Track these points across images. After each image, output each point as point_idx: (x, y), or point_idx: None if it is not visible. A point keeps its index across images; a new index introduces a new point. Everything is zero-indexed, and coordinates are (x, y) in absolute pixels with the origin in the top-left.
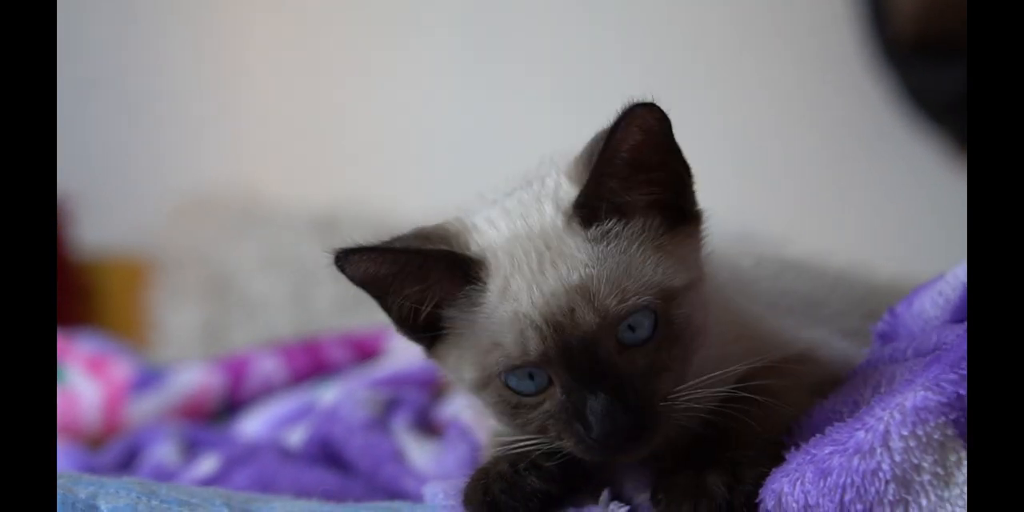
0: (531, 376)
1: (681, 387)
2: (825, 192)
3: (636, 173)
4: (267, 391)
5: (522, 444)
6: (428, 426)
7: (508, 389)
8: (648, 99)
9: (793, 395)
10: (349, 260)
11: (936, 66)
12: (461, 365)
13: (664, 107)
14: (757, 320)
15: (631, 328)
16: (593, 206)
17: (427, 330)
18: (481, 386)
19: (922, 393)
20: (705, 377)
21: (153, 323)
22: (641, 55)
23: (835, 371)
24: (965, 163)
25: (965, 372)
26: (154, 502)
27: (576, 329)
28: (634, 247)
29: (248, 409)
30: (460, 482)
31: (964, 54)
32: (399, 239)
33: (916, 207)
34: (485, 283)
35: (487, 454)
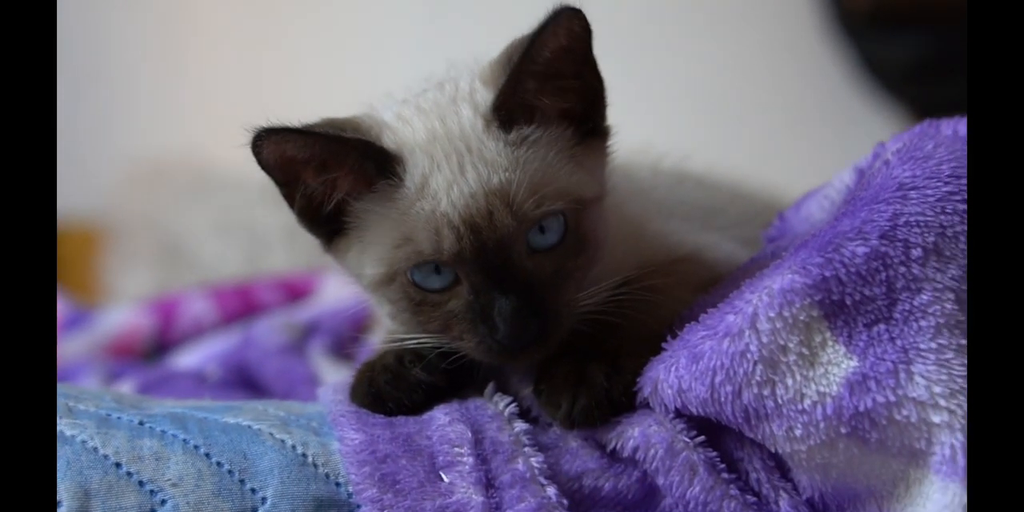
0: (437, 271)
1: (581, 294)
2: (781, 160)
3: (554, 78)
4: (198, 332)
5: (414, 340)
6: (345, 354)
7: (413, 285)
8: (576, 4)
9: (676, 292)
10: (268, 140)
11: (891, 36)
12: (363, 260)
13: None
14: (647, 225)
15: (541, 230)
16: (511, 109)
17: (330, 222)
18: (385, 282)
19: (789, 276)
20: (603, 284)
21: (105, 288)
22: (598, 28)
23: (721, 271)
24: None
25: (831, 256)
26: None
27: (493, 231)
28: (551, 154)
29: (179, 349)
30: (348, 377)
31: (918, 25)
32: (312, 126)
33: None
34: (401, 179)
35: (378, 348)
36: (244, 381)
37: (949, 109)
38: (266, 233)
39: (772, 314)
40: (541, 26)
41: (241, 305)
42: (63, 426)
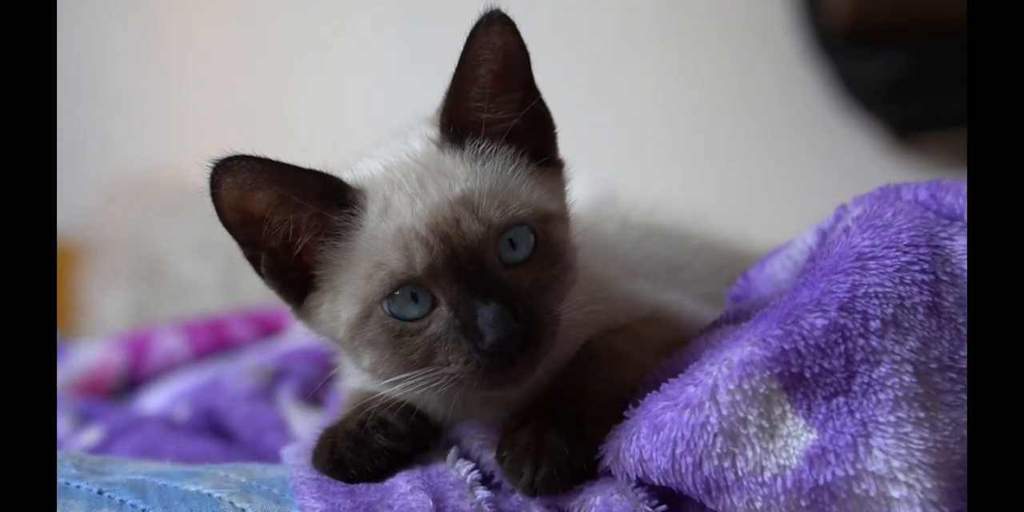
0: (414, 298)
1: (562, 307)
2: (760, 178)
3: (499, 91)
4: (170, 368)
5: (382, 397)
6: (316, 398)
7: (391, 317)
8: (498, 8)
9: (639, 355)
10: (230, 170)
11: (868, 55)
12: (337, 307)
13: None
14: (609, 283)
15: (512, 245)
16: (459, 123)
17: (298, 279)
18: (361, 321)
19: (748, 348)
20: (576, 300)
21: (83, 306)
22: (577, 45)
23: (684, 332)
24: (897, 149)
25: (790, 328)
26: None
27: (463, 238)
28: (509, 169)
29: (150, 386)
30: (310, 441)
31: (895, 43)
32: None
33: (849, 191)
34: (363, 207)
35: (341, 413)
36: (212, 426)
37: (925, 126)
38: None
39: (732, 386)
40: (472, 29)
41: (213, 340)
42: None
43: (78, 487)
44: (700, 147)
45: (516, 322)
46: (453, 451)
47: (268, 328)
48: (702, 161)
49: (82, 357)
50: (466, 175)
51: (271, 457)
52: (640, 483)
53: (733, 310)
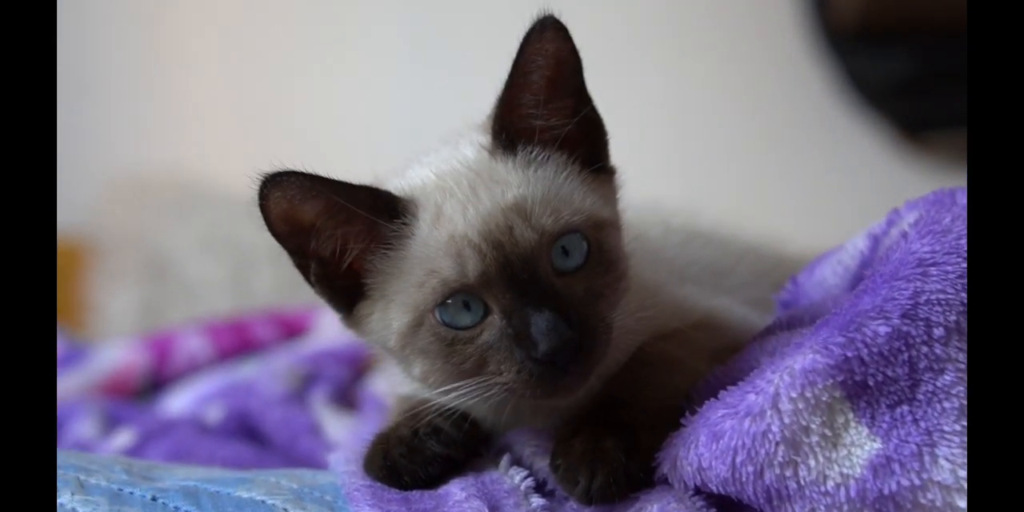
0: (467, 306)
1: (614, 314)
2: (767, 177)
3: (551, 97)
4: (193, 369)
5: (435, 406)
6: (347, 401)
7: (443, 325)
8: (551, 14)
9: (691, 361)
10: (279, 184)
11: (877, 53)
12: (388, 315)
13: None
14: (658, 289)
15: (565, 252)
16: (511, 130)
17: (349, 287)
18: (412, 330)
19: (811, 356)
20: (632, 307)
21: (91, 305)
22: (582, 43)
23: (735, 338)
24: (904, 148)
25: (853, 335)
26: None
27: (515, 246)
28: (561, 176)
29: (174, 387)
30: (361, 448)
31: (904, 41)
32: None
33: (857, 191)
34: (415, 216)
35: (391, 420)
36: (245, 430)
37: (933, 125)
38: (253, 251)
39: (794, 394)
40: (525, 35)
41: (236, 342)
42: (75, 503)
43: (131, 493)
44: (703, 147)
45: (569, 330)
46: (506, 458)
47: (292, 329)
48: (705, 161)
49: (105, 358)
50: (519, 182)
51: (305, 461)
52: (698, 491)
53: (786, 316)
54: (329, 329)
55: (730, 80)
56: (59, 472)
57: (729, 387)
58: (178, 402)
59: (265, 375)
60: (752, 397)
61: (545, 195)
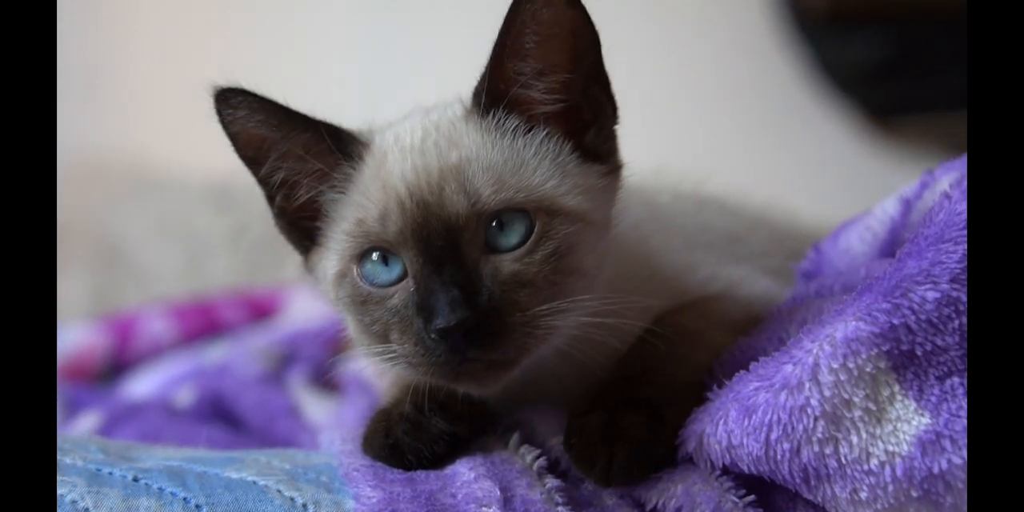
0: (385, 262)
1: (545, 306)
2: (735, 161)
3: (547, 68)
4: (156, 352)
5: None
6: (326, 382)
7: (361, 280)
8: None
9: (711, 333)
10: (227, 101)
11: (848, 37)
12: (324, 264)
13: None
14: (672, 258)
15: (501, 226)
16: (492, 94)
17: (307, 228)
18: (339, 281)
19: (853, 323)
20: (572, 298)
21: None
22: None
23: (757, 309)
24: (874, 132)
25: (899, 301)
26: None
27: (441, 210)
28: (530, 151)
29: (135, 370)
30: (359, 426)
31: (876, 25)
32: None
33: (826, 176)
34: (363, 161)
35: (391, 395)
36: (218, 412)
37: (906, 110)
38: (208, 236)
39: (835, 365)
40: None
41: (202, 324)
42: None
43: (111, 474)
44: (669, 132)
45: (470, 311)
46: (515, 436)
47: (260, 311)
48: (672, 146)
49: (63, 341)
50: (471, 145)
51: (283, 444)
52: (726, 471)
53: (814, 285)
54: (302, 309)
55: (698, 66)
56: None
57: (758, 359)
58: (141, 386)
59: (240, 356)
60: (789, 368)
61: (497, 165)
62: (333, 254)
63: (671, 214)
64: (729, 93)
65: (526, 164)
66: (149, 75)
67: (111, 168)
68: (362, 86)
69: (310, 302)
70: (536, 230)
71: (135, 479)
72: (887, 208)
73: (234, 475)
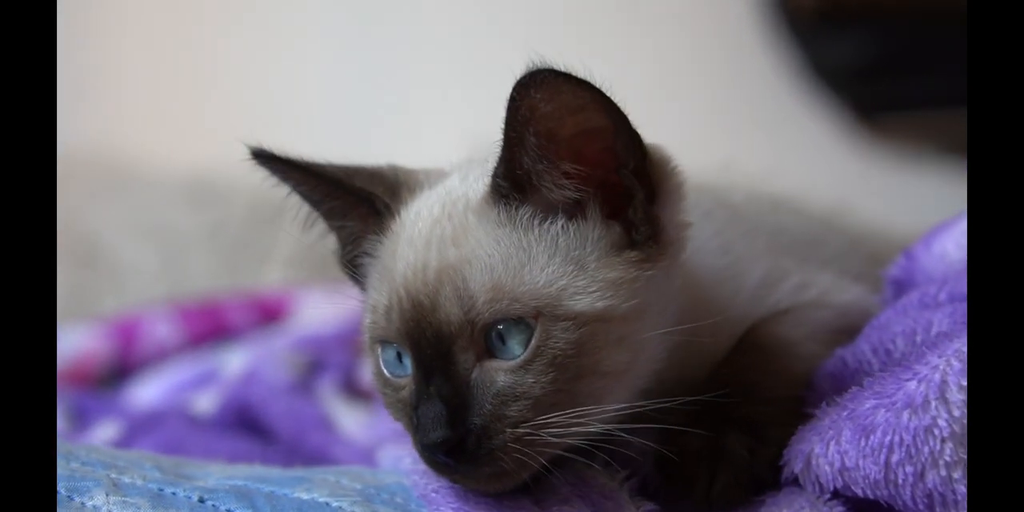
0: (400, 357)
1: (547, 417)
2: (719, 159)
3: (557, 157)
4: (161, 356)
5: None
6: (355, 390)
7: (382, 363)
8: (541, 66)
9: (809, 345)
10: (263, 164)
11: (837, 35)
12: (363, 316)
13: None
14: (760, 263)
15: (500, 336)
16: (513, 183)
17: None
18: (369, 350)
19: None
20: (585, 407)
21: None
22: (514, 27)
23: (853, 319)
24: (862, 131)
25: None
26: (74, 465)
27: (433, 315)
28: (542, 245)
29: (139, 375)
30: None
31: (865, 23)
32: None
33: (815, 174)
34: (392, 230)
35: None
36: (243, 422)
37: (894, 108)
38: (187, 235)
39: (965, 383)
40: (511, 92)
41: (209, 327)
42: (112, 505)
43: (174, 494)
44: (657, 130)
45: (451, 431)
46: (603, 455)
47: (269, 313)
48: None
49: (64, 345)
50: (478, 241)
51: (316, 456)
52: (835, 494)
53: (918, 294)
54: (315, 312)
55: (685, 64)
56: (87, 469)
57: (866, 375)
58: (147, 392)
59: (265, 363)
60: (912, 385)
61: (498, 266)
62: (365, 314)
63: (750, 217)
64: (717, 92)
65: (533, 261)
66: (125, 71)
67: (86, 164)
68: (354, 91)
69: (323, 303)
70: (535, 338)
71: (201, 500)
72: None
73: (304, 496)
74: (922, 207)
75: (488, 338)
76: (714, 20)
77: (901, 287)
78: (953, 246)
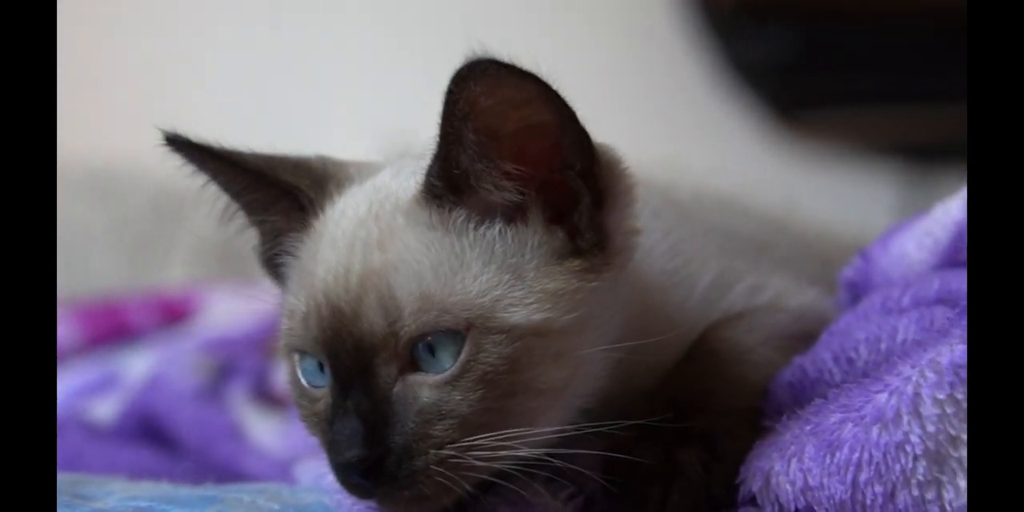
0: (320, 366)
1: (474, 438)
2: (642, 158)
3: (496, 157)
4: (57, 358)
5: None
6: (268, 396)
7: (300, 371)
8: (481, 56)
9: (764, 351)
10: (178, 151)
11: (756, 33)
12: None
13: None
14: (712, 265)
15: (430, 350)
16: (448, 183)
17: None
18: (285, 356)
19: (960, 347)
20: (512, 430)
21: None
22: (434, 32)
23: (809, 324)
24: (780, 128)
25: None
26: None
27: (355, 325)
28: (475, 253)
29: None
30: None
31: (784, 20)
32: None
33: (732, 171)
34: (315, 229)
35: None
36: (147, 431)
37: (813, 106)
38: (85, 232)
39: (941, 396)
40: (449, 82)
41: (109, 327)
42: None
43: None
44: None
45: (367, 451)
46: (545, 471)
47: (172, 313)
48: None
49: None
50: (407, 245)
51: (226, 468)
52: None
53: (880, 298)
54: (224, 311)
55: (603, 60)
56: None
57: (828, 384)
58: None
59: (170, 367)
60: (882, 398)
61: (427, 274)
62: (283, 315)
63: (696, 215)
64: (636, 89)
65: (466, 269)
66: (101, 71)
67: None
68: (266, 79)
69: (232, 302)
70: (464, 352)
71: None
72: (950, 210)
73: None
74: (845, 205)
75: (414, 350)
76: (632, 15)
77: (857, 289)
78: (913, 247)
